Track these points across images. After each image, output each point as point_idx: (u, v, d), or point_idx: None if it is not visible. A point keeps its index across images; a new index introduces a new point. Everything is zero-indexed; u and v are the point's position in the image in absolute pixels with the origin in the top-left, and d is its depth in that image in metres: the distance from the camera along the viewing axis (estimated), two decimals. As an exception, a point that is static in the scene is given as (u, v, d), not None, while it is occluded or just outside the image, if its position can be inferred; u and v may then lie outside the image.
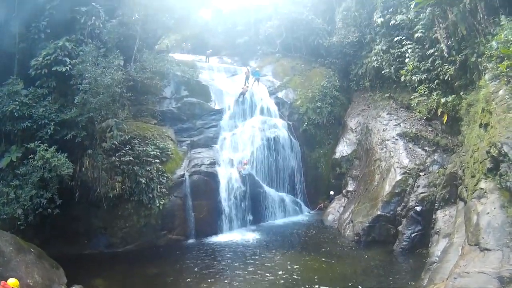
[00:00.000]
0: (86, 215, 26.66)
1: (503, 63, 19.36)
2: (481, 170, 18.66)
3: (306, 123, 37.67)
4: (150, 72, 34.40)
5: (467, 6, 23.11)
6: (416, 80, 29.46)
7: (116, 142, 27.34)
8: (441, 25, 26.21)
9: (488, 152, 18.28)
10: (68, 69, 26.89)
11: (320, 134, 38.07)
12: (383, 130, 31.22)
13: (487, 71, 21.21)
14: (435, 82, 28.36)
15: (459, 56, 25.52)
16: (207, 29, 59.77)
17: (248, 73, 40.91)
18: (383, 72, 34.24)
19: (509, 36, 19.79)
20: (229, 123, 37.12)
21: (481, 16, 22.81)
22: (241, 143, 35.47)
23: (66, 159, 24.06)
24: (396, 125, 30.85)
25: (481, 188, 18.08)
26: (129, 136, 28.90)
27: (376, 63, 34.93)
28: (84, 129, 26.42)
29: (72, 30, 29.30)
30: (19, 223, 22.34)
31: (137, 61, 34.87)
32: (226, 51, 56.53)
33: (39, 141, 24.22)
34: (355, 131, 35.45)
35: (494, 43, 20.61)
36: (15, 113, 24.66)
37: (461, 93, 25.57)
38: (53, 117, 25.80)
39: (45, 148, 23.59)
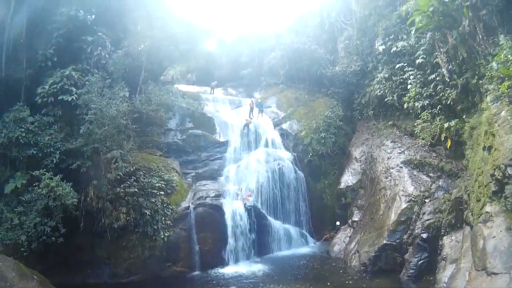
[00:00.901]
0: (90, 244, 26.54)
1: (503, 83, 19.40)
2: (486, 194, 18.54)
3: (310, 154, 37.61)
4: (155, 104, 34.82)
5: (466, 28, 23.30)
6: (419, 106, 29.53)
7: (121, 173, 27.52)
8: (441, 49, 26.39)
9: (492, 175, 18.22)
10: (74, 99, 27.32)
11: (324, 164, 37.90)
12: (388, 159, 31.14)
13: (488, 93, 21.25)
14: (438, 107, 28.42)
15: (460, 79, 25.58)
16: (212, 60, 60.75)
17: (253, 104, 41.34)
18: (386, 100, 34.43)
19: (509, 56, 19.87)
20: (234, 155, 37.19)
21: (481, 37, 22.98)
22: (246, 175, 35.25)
23: (71, 189, 24.24)
24: (400, 152, 30.79)
25: (487, 212, 17.95)
26: (134, 168, 29.05)
27: (379, 91, 35.14)
28: (89, 159, 26.59)
29: (79, 60, 29.84)
30: (22, 249, 22.36)
31: (142, 92, 35.39)
32: (231, 83, 57.34)
33: (44, 169, 24.46)
34: (360, 161, 35.32)
35: (494, 64, 20.69)
36: (21, 140, 24.96)
37: (464, 117, 25.59)
38: (59, 146, 26.09)
39: (50, 176, 23.79)
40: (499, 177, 17.66)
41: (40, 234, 23.01)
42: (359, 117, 39.88)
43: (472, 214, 19.92)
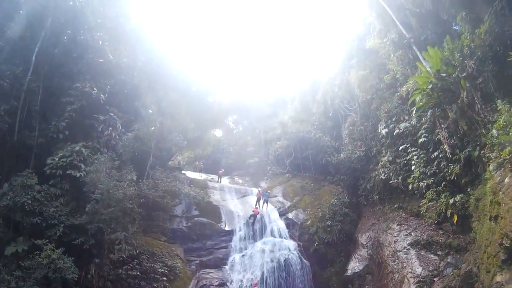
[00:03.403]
0: (88, 322, 25.68)
1: (505, 150, 19.63)
2: (496, 264, 18.29)
3: (316, 243, 37.05)
4: (162, 190, 35.04)
5: (465, 100, 23.95)
6: (424, 186, 29.66)
7: (124, 256, 27.38)
8: (442, 125, 27.02)
9: (500, 244, 18.05)
10: (82, 175, 27.84)
11: (331, 252, 37.06)
12: (394, 242, 30.63)
13: (491, 161, 21.37)
14: (442, 184, 28.43)
15: (463, 153, 25.90)
16: (219, 148, 62.54)
17: (260, 194, 41.43)
18: (390, 182, 34.59)
19: (508, 119, 20.24)
20: (239, 244, 36.71)
21: (479, 106, 23.57)
22: (251, 265, 34.58)
23: (72, 264, 24.08)
24: (407, 234, 30.31)
25: (498, 282, 17.70)
26: (137, 251, 28.87)
27: (384, 175, 35.42)
28: (93, 238, 26.60)
29: (89, 137, 30.79)
30: (17, 313, 21.82)
31: (150, 177, 35.82)
32: (238, 171, 58.26)
33: (47, 240, 24.36)
34: (366, 246, 34.56)
35: (494, 131, 21.03)
36: (26, 207, 25.06)
37: (469, 190, 25.55)
38: (63, 219, 26.25)
39: (52, 248, 23.67)
40: (507, 244, 17.51)
41: (37, 303, 22.49)
42: (365, 203, 39.71)
43: (482, 287, 19.41)
